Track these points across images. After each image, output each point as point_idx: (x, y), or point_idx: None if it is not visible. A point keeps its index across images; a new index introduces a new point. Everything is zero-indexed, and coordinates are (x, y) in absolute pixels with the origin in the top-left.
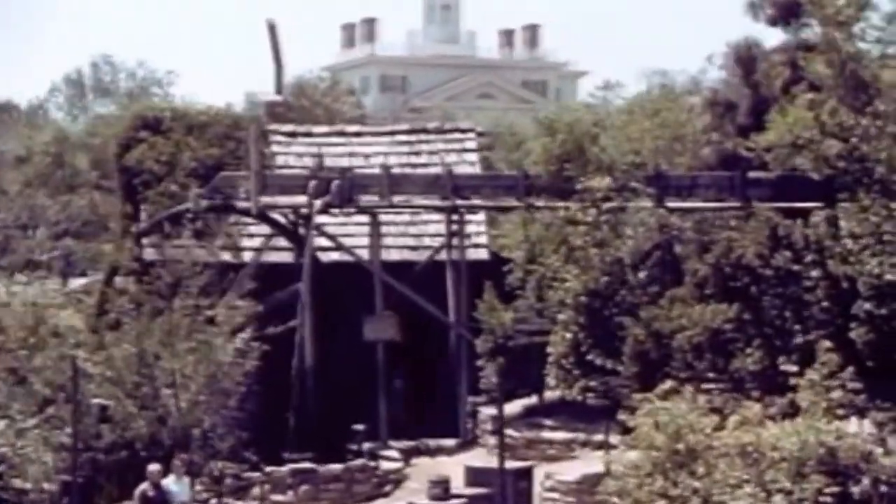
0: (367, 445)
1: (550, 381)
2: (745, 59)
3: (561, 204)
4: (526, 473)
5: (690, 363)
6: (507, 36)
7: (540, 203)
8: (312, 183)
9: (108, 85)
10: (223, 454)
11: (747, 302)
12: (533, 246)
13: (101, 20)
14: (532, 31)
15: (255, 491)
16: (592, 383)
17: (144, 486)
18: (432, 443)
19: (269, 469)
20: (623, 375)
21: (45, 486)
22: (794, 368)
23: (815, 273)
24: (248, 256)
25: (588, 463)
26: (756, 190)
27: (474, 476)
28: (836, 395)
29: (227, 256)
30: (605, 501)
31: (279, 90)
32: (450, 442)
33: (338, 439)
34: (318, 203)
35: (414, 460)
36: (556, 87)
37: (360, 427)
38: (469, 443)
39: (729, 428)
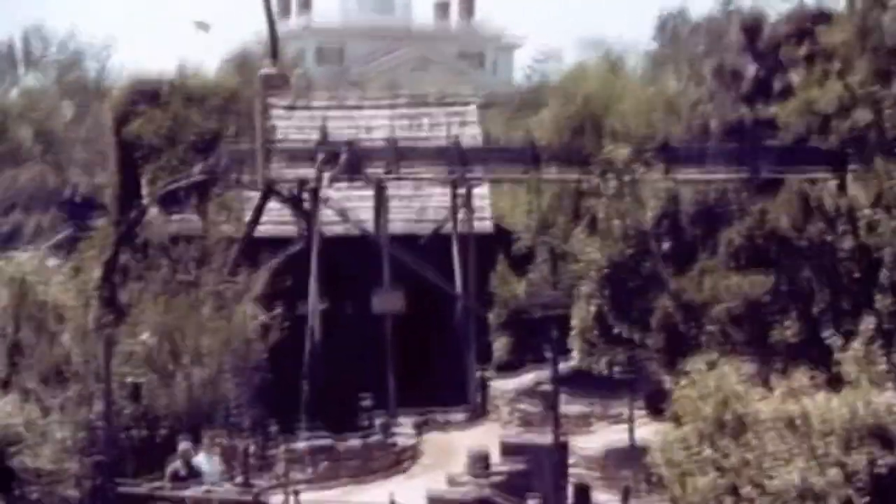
0: (378, 420)
1: (575, 353)
2: (751, 28)
3: (573, 175)
4: (563, 447)
5: (728, 334)
6: (443, 6)
7: (550, 173)
8: (321, 155)
9: (40, 58)
10: (246, 430)
11: (781, 272)
12: (544, 217)
13: None
14: (468, 2)
15: (279, 467)
16: (619, 356)
17: (176, 464)
18: (440, 416)
19: (291, 445)
20: (651, 347)
21: (66, 465)
22: (837, 340)
23: (847, 243)
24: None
25: (607, 436)
26: (765, 160)
27: (510, 450)
28: (881, 366)
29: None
30: (651, 472)
31: (274, 60)
32: (458, 415)
33: (346, 413)
34: (326, 175)
35: (424, 434)
36: (493, 58)
37: (367, 401)
38: (478, 415)
39: (775, 398)
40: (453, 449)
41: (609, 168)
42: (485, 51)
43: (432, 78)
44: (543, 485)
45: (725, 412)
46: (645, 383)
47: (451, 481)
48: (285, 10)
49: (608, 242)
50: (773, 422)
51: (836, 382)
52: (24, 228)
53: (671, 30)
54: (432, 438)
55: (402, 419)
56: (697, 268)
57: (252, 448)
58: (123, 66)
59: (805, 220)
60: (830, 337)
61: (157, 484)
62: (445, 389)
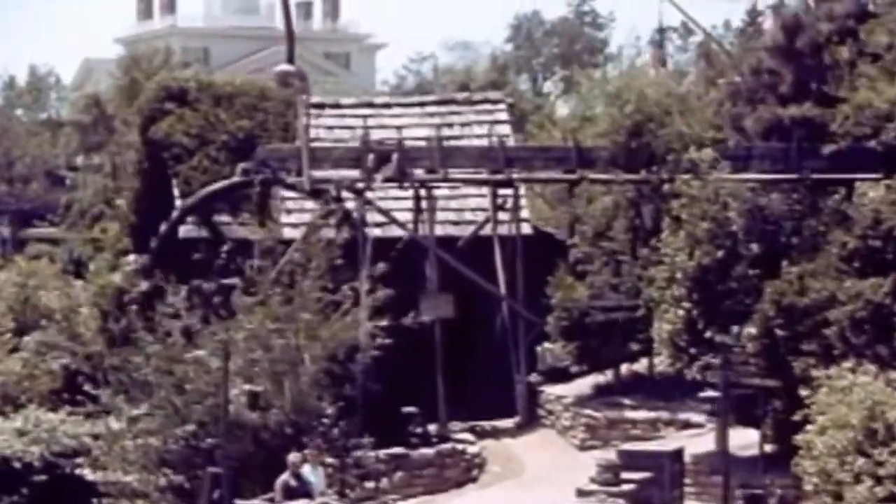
0: (431, 428)
1: (664, 358)
2: (791, 27)
3: (627, 177)
4: (679, 456)
5: (847, 338)
6: (306, 7)
7: (604, 175)
8: (371, 157)
9: None
10: (339, 441)
11: None
12: (602, 220)
13: None
14: (332, 3)
15: (366, 479)
16: (714, 360)
17: (285, 476)
18: (486, 424)
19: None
20: (747, 353)
21: (151, 478)
22: None
23: None
24: (288, 232)
25: (681, 443)
26: (812, 161)
27: (628, 459)
28: None
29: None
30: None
31: (291, 59)
32: (507, 423)
33: (395, 422)
34: (378, 177)
35: (480, 442)
36: (358, 59)
37: (413, 409)
38: (528, 423)
39: None
40: (514, 456)
41: (694, 170)
42: (350, 51)
43: None
44: (664, 494)
45: (875, 420)
46: (732, 389)
47: (580, 492)
48: (147, 12)
49: (697, 245)
50: None
51: None
52: None
53: (525, 32)
54: (489, 446)
55: (450, 427)
56: (794, 271)
57: (349, 460)
58: None
59: None
60: None
61: (269, 496)
62: (490, 396)
